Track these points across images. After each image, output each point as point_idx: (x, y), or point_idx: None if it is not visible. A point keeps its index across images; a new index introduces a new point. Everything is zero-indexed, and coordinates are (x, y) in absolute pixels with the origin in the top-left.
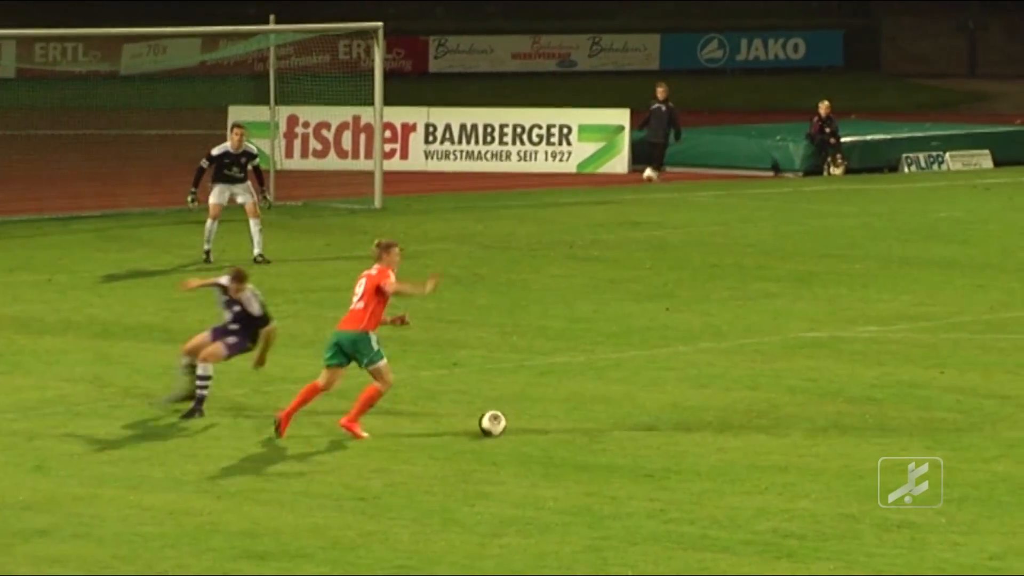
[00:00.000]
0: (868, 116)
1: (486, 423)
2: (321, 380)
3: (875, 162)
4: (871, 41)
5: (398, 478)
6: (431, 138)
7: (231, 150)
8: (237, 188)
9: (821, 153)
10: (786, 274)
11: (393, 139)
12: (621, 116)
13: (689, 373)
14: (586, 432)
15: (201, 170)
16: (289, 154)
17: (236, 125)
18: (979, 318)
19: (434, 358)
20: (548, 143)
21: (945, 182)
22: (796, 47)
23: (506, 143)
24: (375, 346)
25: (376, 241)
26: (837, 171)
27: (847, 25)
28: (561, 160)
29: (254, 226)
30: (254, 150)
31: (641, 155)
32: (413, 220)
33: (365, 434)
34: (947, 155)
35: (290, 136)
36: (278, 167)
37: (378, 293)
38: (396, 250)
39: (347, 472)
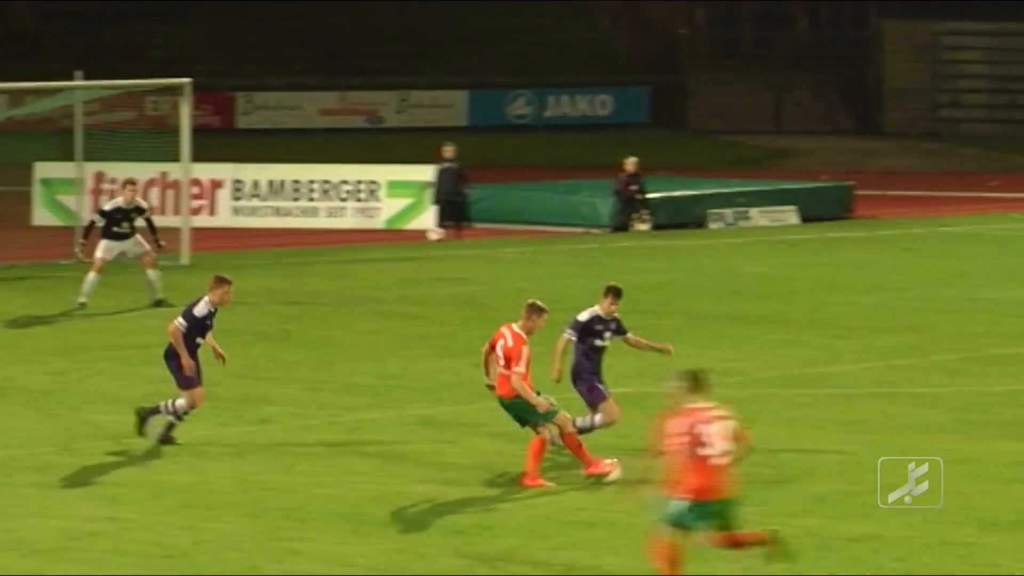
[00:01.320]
0: (676, 172)
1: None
2: (536, 436)
3: (682, 218)
4: (678, 98)
5: (207, 535)
6: (239, 194)
7: (123, 205)
8: (126, 244)
9: (628, 209)
10: None
11: (201, 195)
12: (429, 172)
13: (498, 429)
14: (395, 488)
15: (92, 224)
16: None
17: (129, 181)
18: (787, 373)
19: (243, 414)
20: (356, 199)
21: (752, 238)
22: (603, 104)
23: (314, 199)
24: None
25: (530, 301)
26: (643, 227)
27: (654, 82)
28: (369, 216)
29: (152, 274)
30: (145, 205)
31: (443, 213)
32: None
33: (549, 483)
34: (754, 211)
35: (97, 192)
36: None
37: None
38: (544, 317)
39: (156, 529)
